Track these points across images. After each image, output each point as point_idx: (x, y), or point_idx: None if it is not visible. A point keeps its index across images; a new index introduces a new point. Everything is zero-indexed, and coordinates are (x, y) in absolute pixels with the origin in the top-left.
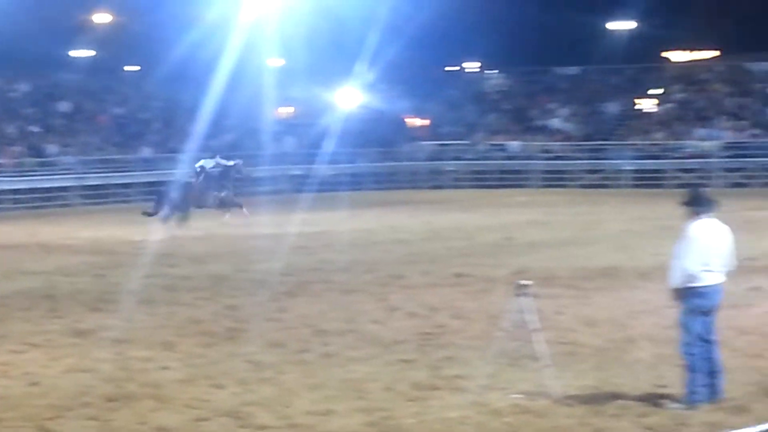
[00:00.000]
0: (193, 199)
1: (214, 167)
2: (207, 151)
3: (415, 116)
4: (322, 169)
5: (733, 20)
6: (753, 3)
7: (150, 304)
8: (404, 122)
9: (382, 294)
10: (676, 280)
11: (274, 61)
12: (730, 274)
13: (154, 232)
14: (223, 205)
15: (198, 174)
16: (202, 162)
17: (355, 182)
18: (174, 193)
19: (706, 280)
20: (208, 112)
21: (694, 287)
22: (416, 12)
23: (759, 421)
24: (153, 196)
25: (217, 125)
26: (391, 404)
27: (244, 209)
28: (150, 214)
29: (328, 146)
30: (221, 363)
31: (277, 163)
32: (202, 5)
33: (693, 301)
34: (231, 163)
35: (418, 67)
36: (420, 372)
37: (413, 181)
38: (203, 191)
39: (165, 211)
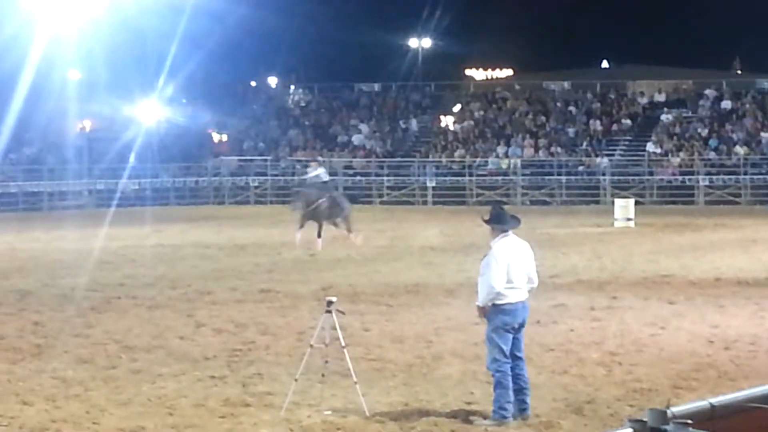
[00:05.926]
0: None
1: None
2: None
3: (217, 131)
4: (125, 183)
5: (526, 40)
6: (544, 24)
7: None
8: (208, 137)
9: (188, 310)
10: (482, 297)
11: (73, 74)
12: (534, 292)
13: None
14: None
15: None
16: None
17: (159, 197)
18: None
19: (511, 297)
20: (8, 126)
21: (500, 304)
22: (216, 26)
23: None
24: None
25: (18, 139)
26: (202, 421)
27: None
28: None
29: (131, 161)
30: (28, 380)
31: (80, 178)
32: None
33: (499, 317)
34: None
35: (219, 82)
36: (230, 388)
37: (217, 196)
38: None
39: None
